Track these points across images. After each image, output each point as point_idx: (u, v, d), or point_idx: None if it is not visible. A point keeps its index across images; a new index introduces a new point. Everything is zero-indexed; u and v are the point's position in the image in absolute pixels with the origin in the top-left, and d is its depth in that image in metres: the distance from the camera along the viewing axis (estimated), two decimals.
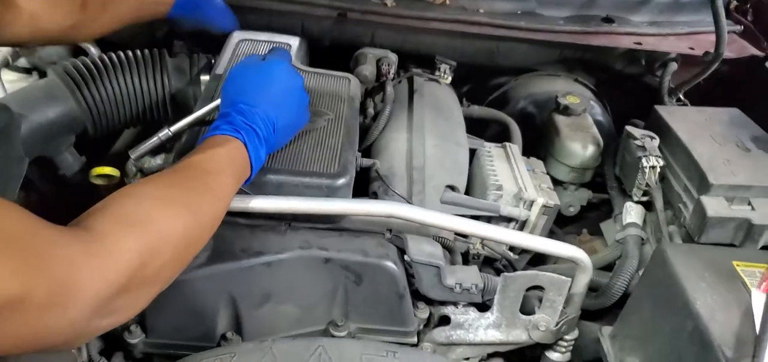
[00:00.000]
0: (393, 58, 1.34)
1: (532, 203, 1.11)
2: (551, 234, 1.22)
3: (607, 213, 1.36)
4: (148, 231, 0.62)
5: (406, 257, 0.92)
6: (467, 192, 1.15)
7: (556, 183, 1.35)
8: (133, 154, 0.96)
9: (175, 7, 1.16)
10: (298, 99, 0.91)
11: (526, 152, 1.34)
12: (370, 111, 1.23)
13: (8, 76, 1.24)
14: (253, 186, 0.88)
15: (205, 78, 1.17)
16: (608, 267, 1.24)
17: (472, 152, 1.24)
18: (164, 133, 0.95)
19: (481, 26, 1.36)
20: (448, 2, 1.39)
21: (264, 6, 1.32)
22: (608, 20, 1.47)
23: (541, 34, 1.38)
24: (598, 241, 1.36)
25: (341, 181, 0.91)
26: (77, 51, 1.24)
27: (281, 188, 0.90)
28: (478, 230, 0.93)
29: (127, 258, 0.58)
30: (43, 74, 1.22)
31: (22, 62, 1.27)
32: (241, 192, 0.86)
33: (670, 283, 0.82)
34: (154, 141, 0.95)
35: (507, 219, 1.12)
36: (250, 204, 0.87)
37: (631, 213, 1.21)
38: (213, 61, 1.19)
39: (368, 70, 1.27)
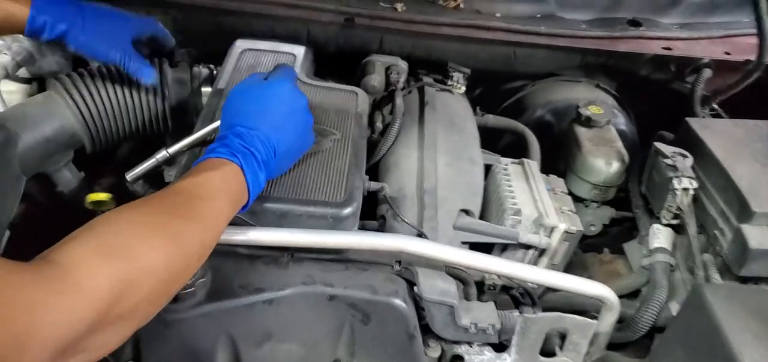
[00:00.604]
0: (403, 66, 1.27)
1: (552, 229, 1.04)
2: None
3: (631, 231, 1.29)
4: (125, 263, 0.56)
5: (416, 292, 0.86)
6: (482, 214, 1.08)
7: (577, 199, 1.27)
8: (129, 176, 0.90)
9: (31, 33, 0.91)
10: (302, 121, 0.85)
11: (544, 164, 1.26)
12: (378, 125, 1.16)
13: (8, 86, 1.19)
14: (252, 215, 0.82)
15: (206, 90, 1.11)
16: (633, 294, 1.18)
17: (487, 168, 1.17)
18: (162, 154, 0.89)
19: (497, 31, 1.29)
20: (461, 6, 1.31)
21: (268, 11, 1.25)
22: (635, 23, 1.38)
23: (562, 40, 1.30)
24: (621, 262, 1.28)
25: (348, 211, 0.85)
26: (78, 62, 1.18)
27: (283, 218, 0.84)
28: (495, 267, 0.86)
29: (99, 293, 0.52)
30: (43, 84, 1.17)
31: (23, 72, 1.21)
32: (239, 222, 0.81)
33: (710, 331, 0.74)
34: (150, 163, 0.89)
35: (525, 247, 1.05)
36: (248, 236, 0.81)
37: (659, 237, 1.14)
38: (215, 72, 1.12)
39: (377, 79, 1.20)
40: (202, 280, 0.77)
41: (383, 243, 0.84)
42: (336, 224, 0.85)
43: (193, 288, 0.76)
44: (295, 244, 0.83)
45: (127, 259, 0.56)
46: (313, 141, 0.88)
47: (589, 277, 1.24)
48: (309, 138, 0.87)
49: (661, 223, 1.15)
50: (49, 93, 1.00)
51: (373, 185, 0.96)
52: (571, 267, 1.19)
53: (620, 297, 1.17)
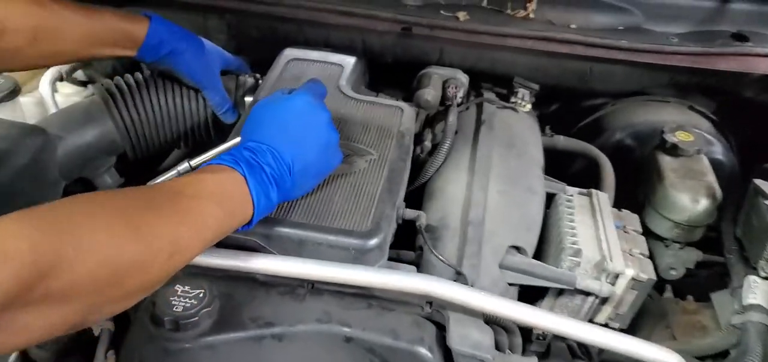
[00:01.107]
0: (463, 79, 1.16)
1: (617, 275, 0.90)
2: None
3: (722, 278, 1.10)
4: (59, 236, 0.50)
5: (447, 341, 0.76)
6: (538, 251, 0.95)
7: (655, 238, 1.11)
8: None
9: (144, 50, 0.95)
10: (324, 138, 0.77)
11: (620, 196, 1.11)
12: (427, 143, 1.06)
13: (66, 89, 1.22)
14: (268, 240, 0.76)
15: (249, 99, 1.07)
16: (719, 355, 1.00)
17: (550, 198, 1.04)
18: (184, 166, 0.85)
19: (571, 45, 1.14)
20: (532, 15, 1.18)
21: (322, 19, 1.19)
22: (740, 37, 1.18)
23: (646, 56, 1.13)
24: (708, 314, 1.10)
25: (372, 243, 0.77)
26: (133, 66, 1.19)
27: (301, 246, 0.77)
28: (537, 321, 0.75)
29: (20, 260, 0.46)
30: None
31: (79, 75, 1.24)
32: (256, 247, 0.75)
33: None
34: (171, 174, 0.85)
35: (584, 293, 0.91)
36: (252, 263, 0.76)
37: (756, 292, 0.95)
38: (260, 81, 1.08)
39: (431, 94, 1.10)
40: (207, 309, 0.72)
41: (407, 283, 0.75)
42: (359, 257, 0.77)
43: (196, 318, 0.71)
44: (308, 277, 0.76)
45: (63, 233, 0.50)
46: (339, 159, 0.81)
47: (667, 327, 1.10)
48: (334, 156, 0.80)
49: (758, 276, 0.97)
50: (93, 98, 1.01)
51: (409, 213, 0.87)
52: (645, 313, 1.04)
53: (704, 358, 1.02)
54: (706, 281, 1.15)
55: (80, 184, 1.02)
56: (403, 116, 0.98)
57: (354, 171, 0.86)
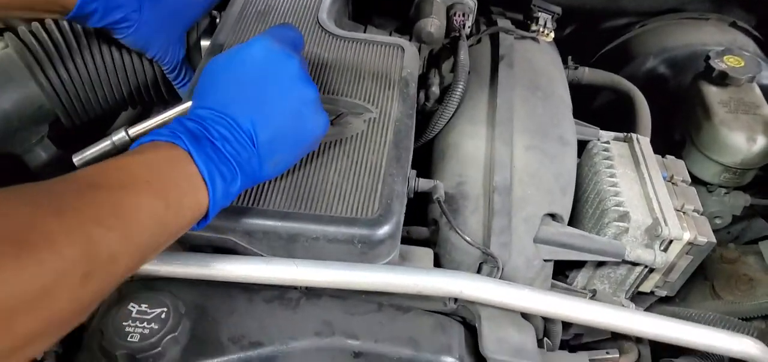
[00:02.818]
0: (470, 3, 0.95)
1: (671, 241, 0.75)
2: None
3: None
4: None
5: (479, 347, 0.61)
6: (572, 214, 0.79)
7: (699, 182, 0.96)
8: (76, 160, 0.67)
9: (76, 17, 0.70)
10: (295, 95, 0.57)
11: (653, 134, 0.95)
12: (434, 89, 0.87)
13: None
14: (252, 239, 0.59)
15: (205, 43, 0.86)
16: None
17: (581, 146, 0.87)
18: (120, 137, 0.65)
19: None
20: None
21: None
22: None
23: None
24: (753, 262, 0.97)
25: (383, 232, 0.59)
26: None
27: (293, 242, 0.60)
28: (598, 319, 0.59)
29: None
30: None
31: None
32: (236, 248, 0.58)
33: None
34: (104, 145, 0.65)
35: (631, 264, 0.76)
36: (232, 269, 0.58)
37: None
38: (217, 19, 0.87)
39: (434, 24, 0.90)
40: (172, 335, 0.55)
41: (429, 283, 0.59)
42: (367, 250, 0.60)
43: (159, 348, 0.54)
44: (305, 283, 0.59)
45: None
46: (324, 123, 0.61)
47: (706, 280, 0.97)
48: (315, 119, 0.59)
49: None
50: (7, 52, 0.78)
51: (424, 184, 0.70)
52: None
53: (753, 318, 0.90)
54: (748, 228, 1.02)
55: (7, 161, 0.82)
56: (405, 57, 0.78)
57: (347, 135, 0.67)
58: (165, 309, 0.57)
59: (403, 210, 0.63)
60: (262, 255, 0.60)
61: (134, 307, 0.57)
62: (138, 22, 0.73)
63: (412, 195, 0.69)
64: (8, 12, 0.66)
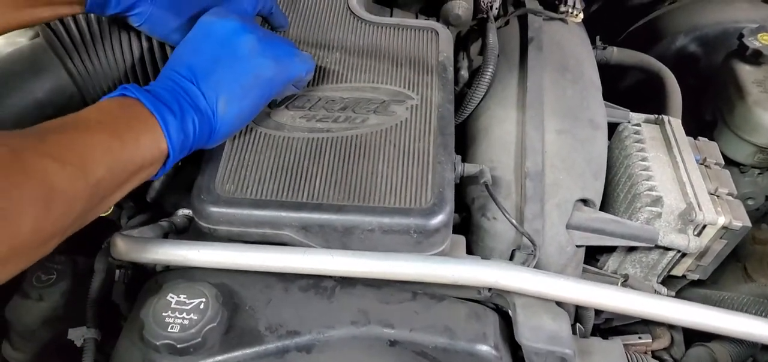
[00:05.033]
0: None
1: (705, 226, 0.74)
2: None
3: None
4: None
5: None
6: (603, 199, 0.79)
7: (731, 163, 0.94)
8: None
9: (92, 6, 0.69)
10: (232, 40, 0.61)
11: (685, 117, 0.93)
12: (463, 72, 0.86)
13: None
14: (308, 233, 0.60)
15: None
16: None
17: (611, 128, 0.86)
18: None
19: None
20: None
21: None
22: None
23: None
24: None
25: (438, 220, 0.60)
26: None
27: (349, 235, 0.60)
28: (632, 307, 0.59)
29: None
30: None
31: None
32: (293, 243, 0.60)
33: None
34: None
35: (664, 249, 0.76)
36: (274, 261, 0.59)
37: None
38: None
39: (462, 6, 0.88)
40: (211, 325, 0.56)
41: (464, 274, 0.59)
42: (422, 240, 0.60)
43: (199, 339, 0.55)
44: (342, 273, 0.60)
45: None
46: (271, 65, 0.62)
47: (738, 261, 0.96)
48: (258, 61, 0.62)
49: None
50: (38, 41, 0.79)
51: (470, 168, 0.69)
52: None
53: None
54: None
55: None
56: (440, 40, 0.77)
57: (394, 124, 0.67)
58: (204, 300, 0.57)
59: (453, 199, 0.63)
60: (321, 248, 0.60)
61: (173, 298, 0.57)
62: (152, 7, 0.72)
63: (458, 181, 0.68)
64: (34, 10, 0.66)
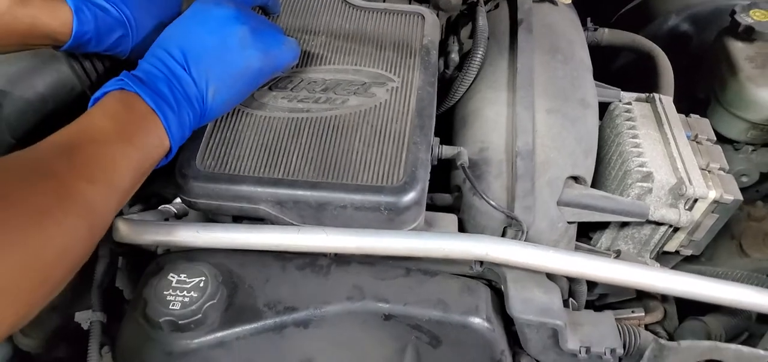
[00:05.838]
0: None
1: (696, 200, 0.75)
2: None
3: None
4: None
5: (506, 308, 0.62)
6: (595, 177, 0.80)
7: (725, 140, 0.95)
8: None
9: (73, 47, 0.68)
10: (224, 31, 0.62)
11: (677, 92, 0.94)
12: (454, 56, 0.87)
13: None
14: (283, 208, 0.61)
15: None
16: None
17: (603, 107, 0.88)
18: None
19: None
20: None
21: None
22: None
23: None
24: None
25: (409, 198, 0.61)
26: None
27: (322, 211, 0.62)
28: (621, 277, 0.60)
29: None
30: None
31: None
32: (271, 219, 0.61)
33: None
34: None
35: (656, 223, 0.77)
36: (270, 239, 0.61)
37: None
38: None
39: None
40: (211, 303, 0.58)
41: (454, 248, 0.61)
42: (393, 217, 0.62)
43: (199, 315, 0.57)
44: (336, 250, 0.61)
45: None
46: (259, 56, 0.64)
47: (733, 238, 0.97)
48: (247, 53, 0.63)
49: None
50: None
51: (447, 150, 0.71)
52: None
53: None
54: None
55: None
56: (425, 25, 0.79)
57: (373, 105, 0.69)
58: (203, 278, 0.59)
59: (428, 177, 0.65)
60: (293, 224, 0.62)
61: (174, 277, 0.59)
62: (134, 30, 0.69)
63: (436, 163, 0.71)
64: (4, 48, 0.67)
